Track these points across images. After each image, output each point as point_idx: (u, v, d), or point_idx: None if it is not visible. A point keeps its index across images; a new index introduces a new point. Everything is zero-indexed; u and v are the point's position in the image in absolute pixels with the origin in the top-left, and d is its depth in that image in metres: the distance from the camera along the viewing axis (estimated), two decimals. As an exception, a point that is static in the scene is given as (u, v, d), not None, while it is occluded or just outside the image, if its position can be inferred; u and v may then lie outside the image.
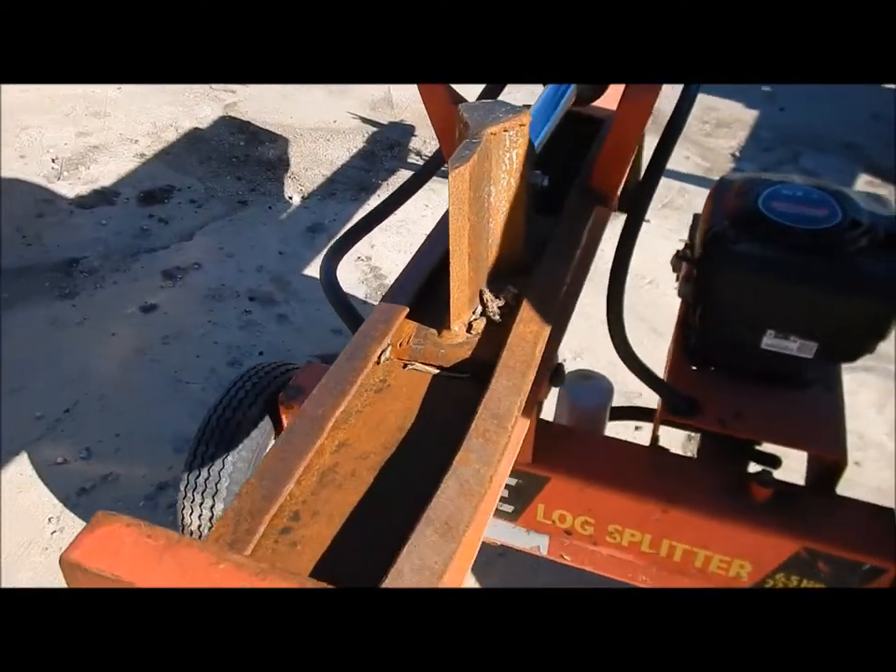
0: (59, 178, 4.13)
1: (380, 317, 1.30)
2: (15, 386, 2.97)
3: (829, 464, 1.72)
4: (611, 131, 1.52)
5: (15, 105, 4.66)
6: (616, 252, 1.54)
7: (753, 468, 1.84)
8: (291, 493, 1.03)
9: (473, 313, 1.33)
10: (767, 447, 1.89)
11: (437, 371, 1.26)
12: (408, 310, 1.32)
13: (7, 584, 2.35)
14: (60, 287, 3.44)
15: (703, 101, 5.07)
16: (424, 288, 1.38)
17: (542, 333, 1.24)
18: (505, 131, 1.22)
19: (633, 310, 3.33)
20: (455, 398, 1.22)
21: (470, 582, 2.36)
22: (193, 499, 1.93)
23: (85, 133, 4.49)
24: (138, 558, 0.70)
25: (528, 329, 1.24)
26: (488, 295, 1.34)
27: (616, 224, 1.65)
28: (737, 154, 4.63)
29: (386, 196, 1.89)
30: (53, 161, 4.25)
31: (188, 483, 1.94)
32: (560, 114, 1.61)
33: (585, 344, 3.09)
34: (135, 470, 2.64)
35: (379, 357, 1.25)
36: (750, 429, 1.74)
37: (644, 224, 4.27)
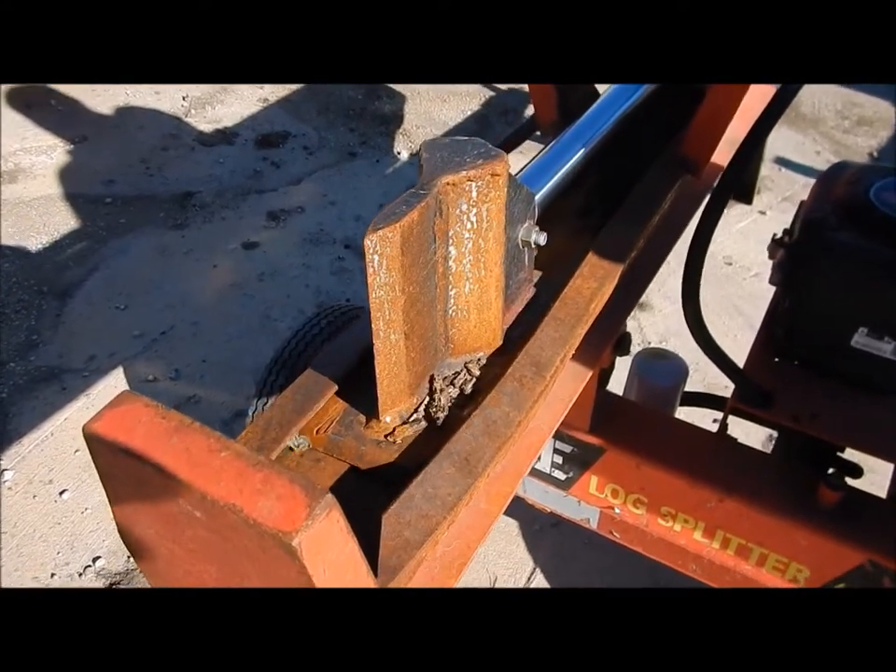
0: (186, 116, 4.32)
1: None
2: (121, 305, 3.15)
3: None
4: (707, 98, 1.44)
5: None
6: (696, 231, 1.47)
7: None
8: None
9: (424, 399, 1.08)
10: (851, 455, 1.78)
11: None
12: (336, 387, 1.07)
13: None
14: (173, 218, 3.61)
15: (845, 95, 4.75)
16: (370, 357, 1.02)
17: (601, 291, 1.20)
18: (469, 181, 0.98)
19: (731, 302, 3.20)
20: None
21: (521, 550, 2.36)
22: (259, 425, 2.00)
23: (215, 76, 4.66)
24: (150, 436, 0.73)
25: (586, 284, 1.20)
26: (439, 383, 1.09)
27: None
28: (876, 155, 4.32)
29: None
30: (184, 98, 4.45)
31: (256, 409, 2.01)
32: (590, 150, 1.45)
33: (674, 329, 2.98)
34: (216, 396, 2.76)
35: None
36: (827, 430, 1.63)
37: (759, 216, 4.07)
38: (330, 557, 0.68)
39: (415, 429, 1.03)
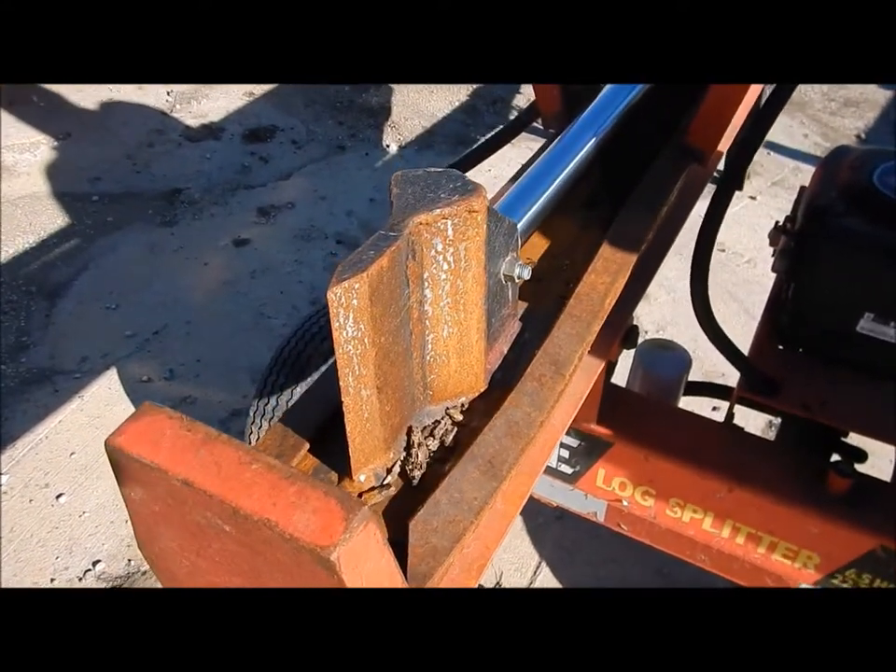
0: (171, 111, 4.27)
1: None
2: (111, 304, 3.11)
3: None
4: (713, 86, 1.43)
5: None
6: (704, 220, 1.46)
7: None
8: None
9: (401, 454, 0.99)
10: (854, 440, 1.78)
11: None
12: (307, 444, 0.98)
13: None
14: (161, 215, 3.57)
15: (831, 77, 4.76)
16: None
17: (615, 286, 1.18)
18: (445, 219, 0.90)
19: (725, 288, 3.20)
20: None
21: (526, 544, 2.35)
22: (261, 426, 1.98)
23: (199, 69, 4.60)
24: (177, 449, 0.71)
25: (600, 279, 1.18)
26: (418, 435, 1.00)
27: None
28: (863, 136, 4.34)
29: (470, 148, 1.86)
30: (168, 93, 4.39)
31: (257, 409, 1.99)
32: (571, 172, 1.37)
33: (669, 318, 2.99)
34: (212, 396, 2.73)
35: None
36: (836, 417, 1.64)
37: (750, 201, 4.08)
38: (367, 570, 0.67)
39: (385, 495, 0.94)
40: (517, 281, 1.10)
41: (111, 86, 4.36)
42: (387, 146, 4.05)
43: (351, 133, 4.12)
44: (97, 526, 2.38)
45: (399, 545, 0.84)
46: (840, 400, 1.61)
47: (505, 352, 1.14)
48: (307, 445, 0.97)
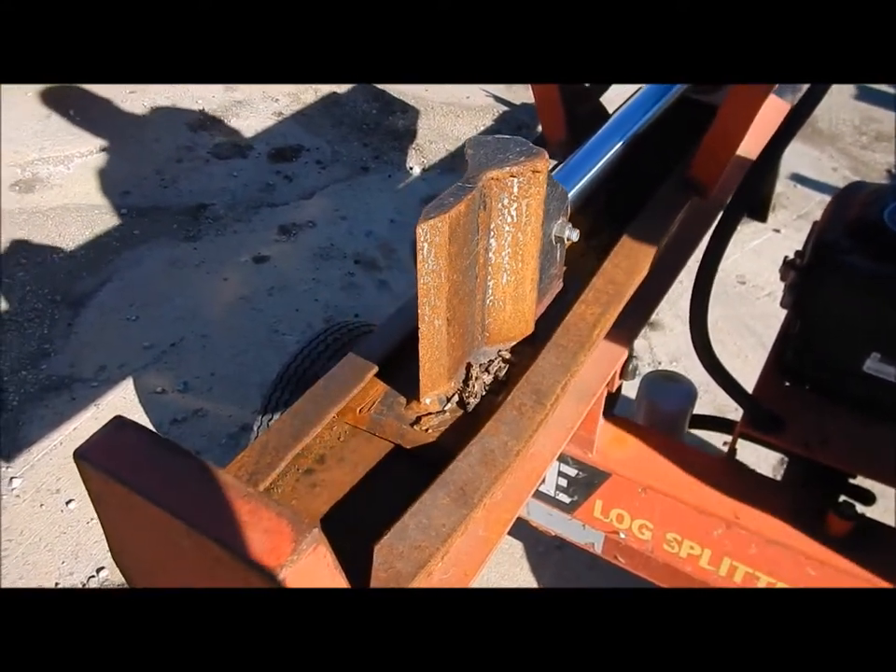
0: (202, 128, 4.35)
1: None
2: (132, 316, 3.16)
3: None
4: (717, 119, 1.42)
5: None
6: (706, 251, 1.45)
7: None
8: (321, 437, 1.03)
9: (460, 385, 1.13)
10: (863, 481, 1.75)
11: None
12: (376, 369, 1.14)
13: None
14: (186, 230, 3.63)
15: (863, 110, 4.72)
16: (410, 343, 1.12)
17: (606, 316, 1.18)
18: (512, 177, 1.02)
19: (744, 321, 3.17)
20: None
21: (525, 573, 2.33)
22: (264, 441, 1.99)
23: (232, 88, 4.70)
24: (140, 464, 0.73)
25: (590, 310, 1.18)
26: (476, 370, 1.14)
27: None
28: (894, 171, 4.29)
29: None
30: (201, 111, 4.48)
31: (261, 424, 2.01)
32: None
33: (685, 349, 2.95)
34: (224, 410, 2.76)
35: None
36: (837, 457, 1.60)
37: (774, 234, 4.03)
38: (316, 592, 0.67)
39: (440, 420, 1.08)
40: (566, 243, 1.22)
41: (145, 101, 4.47)
42: (411, 168, 4.09)
43: (375, 155, 4.17)
44: (103, 534, 2.41)
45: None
46: (842, 440, 1.58)
47: (547, 305, 1.26)
48: (374, 369, 1.12)
